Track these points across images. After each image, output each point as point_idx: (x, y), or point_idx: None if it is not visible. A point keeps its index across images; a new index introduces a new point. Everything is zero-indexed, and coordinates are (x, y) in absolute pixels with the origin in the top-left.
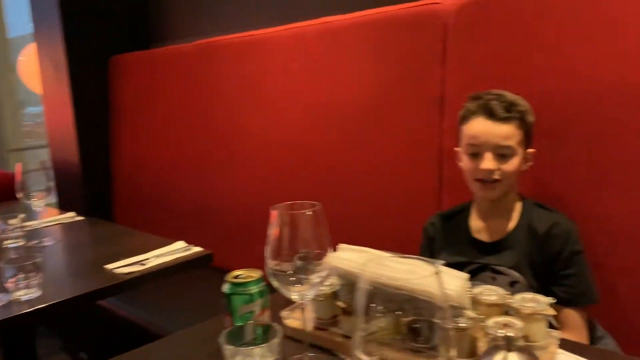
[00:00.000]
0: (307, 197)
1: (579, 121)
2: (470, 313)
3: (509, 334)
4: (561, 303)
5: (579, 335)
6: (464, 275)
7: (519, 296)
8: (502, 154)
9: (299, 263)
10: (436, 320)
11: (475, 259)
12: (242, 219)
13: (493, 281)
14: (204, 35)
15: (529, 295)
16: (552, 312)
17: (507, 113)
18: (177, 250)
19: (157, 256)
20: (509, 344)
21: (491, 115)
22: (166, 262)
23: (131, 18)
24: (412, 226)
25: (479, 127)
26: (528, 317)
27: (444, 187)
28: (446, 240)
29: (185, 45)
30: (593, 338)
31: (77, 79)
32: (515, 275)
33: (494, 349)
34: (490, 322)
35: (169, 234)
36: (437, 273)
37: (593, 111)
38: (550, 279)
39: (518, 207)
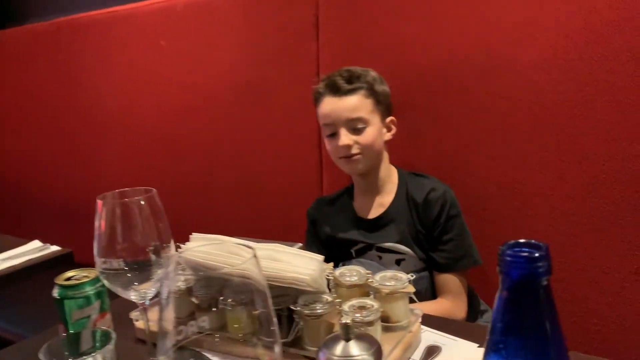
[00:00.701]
0: (184, 184)
1: (448, 91)
2: (327, 297)
3: (347, 322)
4: (441, 269)
5: (459, 300)
6: (319, 257)
7: (379, 275)
8: (356, 127)
9: (130, 261)
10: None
11: (360, 238)
12: None
13: (379, 260)
14: (63, 12)
15: (389, 273)
16: (411, 289)
17: (350, 85)
18: (31, 250)
19: (7, 258)
20: (346, 333)
21: (336, 90)
22: (17, 264)
23: None
24: (295, 208)
25: (328, 105)
26: (388, 297)
27: (324, 167)
28: (331, 222)
29: (43, 24)
30: (476, 312)
31: None
32: (402, 249)
33: (332, 340)
34: (345, 306)
35: (32, 234)
36: (254, 256)
37: (462, 81)
38: (430, 246)
39: (394, 178)
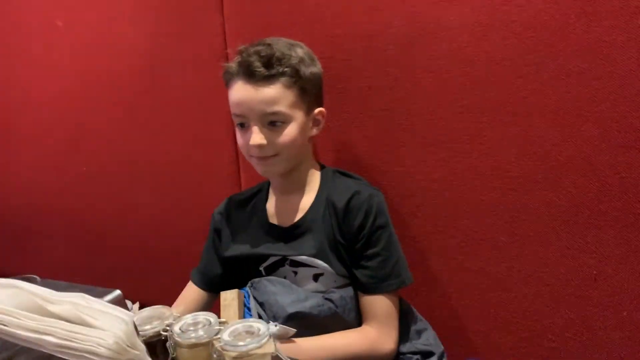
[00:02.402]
0: (88, 175)
1: (369, 67)
2: None
3: None
4: (365, 290)
5: (387, 328)
6: (129, 316)
7: (229, 329)
8: (273, 122)
9: None
10: None
11: (272, 250)
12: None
13: (295, 275)
14: None
15: (244, 324)
16: (270, 349)
17: (269, 70)
18: None
19: None
20: None
21: (250, 76)
22: None
23: None
24: (209, 202)
25: (239, 93)
26: None
27: (241, 156)
28: (240, 229)
29: None
30: (410, 332)
31: None
32: (319, 264)
33: None
34: None
35: None
36: None
37: (387, 57)
38: (352, 261)
39: (316, 178)
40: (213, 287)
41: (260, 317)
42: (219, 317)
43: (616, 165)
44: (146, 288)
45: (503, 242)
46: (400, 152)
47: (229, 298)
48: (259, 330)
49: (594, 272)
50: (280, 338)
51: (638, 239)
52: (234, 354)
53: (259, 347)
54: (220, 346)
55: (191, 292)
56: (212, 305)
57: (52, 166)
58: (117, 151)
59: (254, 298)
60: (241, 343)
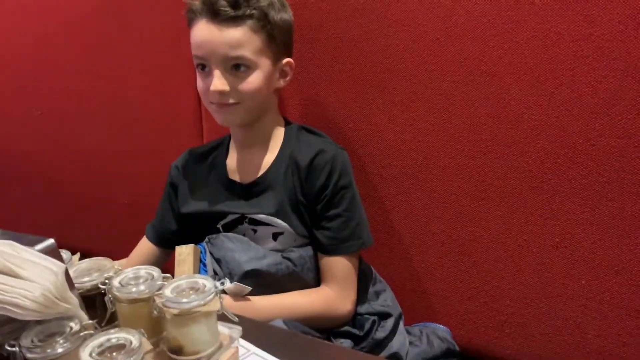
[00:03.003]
0: (36, 133)
1: (335, 18)
2: (73, 325)
3: None
4: (325, 251)
5: (345, 289)
6: (60, 267)
7: (172, 285)
8: (237, 65)
9: None
10: None
11: (231, 208)
12: None
13: (254, 234)
14: None
15: (188, 280)
16: (215, 307)
17: (235, 11)
18: None
19: None
20: None
21: (215, 15)
22: None
23: None
24: (168, 155)
25: (201, 32)
26: (178, 319)
27: (203, 108)
28: (198, 185)
29: None
30: (369, 293)
31: None
32: (279, 223)
33: None
34: (85, 350)
35: None
36: None
37: (359, 6)
38: (313, 221)
39: (279, 134)
40: (167, 244)
41: (215, 273)
42: (173, 272)
43: (587, 132)
44: (97, 240)
45: (468, 206)
46: (369, 110)
47: (184, 253)
48: (205, 286)
49: (557, 239)
50: (235, 295)
51: (602, 207)
52: (175, 311)
53: (203, 305)
54: (162, 302)
55: (144, 247)
56: (165, 261)
57: (3, 108)
58: (72, 95)
59: (211, 254)
60: (184, 300)
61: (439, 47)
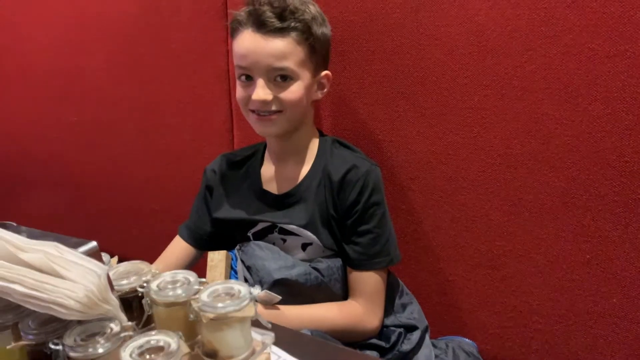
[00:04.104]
0: (72, 139)
1: (368, 32)
2: (114, 327)
3: None
4: (354, 266)
5: (372, 305)
6: (102, 269)
7: (209, 289)
8: (281, 76)
9: None
10: None
11: (262, 216)
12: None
13: (283, 243)
14: None
15: (224, 285)
16: (250, 313)
17: (281, 22)
18: None
19: None
20: None
21: (261, 26)
22: None
23: None
24: (199, 163)
25: (247, 43)
26: (213, 324)
27: (235, 115)
28: (231, 191)
29: None
30: (395, 305)
31: None
32: (308, 235)
33: None
34: (126, 351)
35: None
36: None
37: (392, 21)
38: (343, 236)
39: (314, 146)
40: (201, 244)
41: (246, 280)
42: (205, 277)
43: (621, 149)
44: (129, 244)
45: (497, 220)
46: (399, 122)
47: (216, 259)
48: (240, 292)
49: (588, 256)
50: (265, 304)
51: (635, 225)
52: (211, 316)
53: (239, 310)
54: (198, 306)
55: (178, 246)
56: (196, 262)
57: (41, 114)
58: (109, 102)
59: (242, 261)
60: (220, 305)
61: (471, 62)
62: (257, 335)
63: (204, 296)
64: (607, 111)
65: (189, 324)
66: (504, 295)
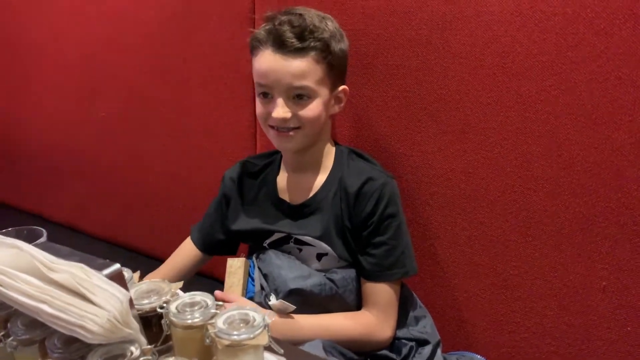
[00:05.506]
0: (100, 134)
1: (393, 47)
2: (134, 349)
3: None
4: (368, 277)
5: (386, 316)
6: (125, 295)
7: (225, 315)
8: (299, 95)
9: None
10: None
11: (278, 227)
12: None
13: (299, 252)
14: None
15: (240, 311)
16: (263, 341)
17: (301, 42)
18: None
19: None
20: None
21: (280, 46)
22: None
23: None
24: (223, 164)
25: (267, 63)
26: (229, 350)
27: (259, 130)
28: (248, 200)
29: None
30: (408, 318)
31: None
32: (323, 246)
33: None
34: None
35: None
36: None
37: (419, 37)
38: (358, 247)
39: (330, 157)
40: (211, 250)
41: (262, 288)
42: (223, 282)
43: None
44: (149, 237)
45: (514, 241)
46: (420, 137)
47: (235, 266)
48: (254, 320)
49: (604, 283)
50: (280, 312)
51: None
52: (226, 343)
53: (252, 338)
54: (214, 332)
55: (188, 249)
56: (204, 264)
57: (72, 108)
58: (137, 100)
59: (259, 269)
60: (235, 332)
61: (495, 82)
62: (270, 359)
63: (220, 322)
64: (630, 140)
65: (205, 345)
66: (518, 316)
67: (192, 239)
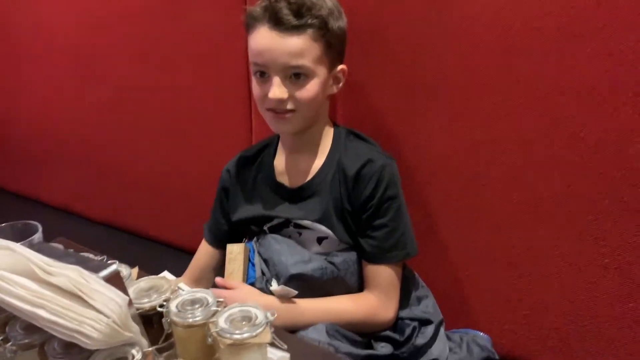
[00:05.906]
0: (91, 119)
1: (392, 25)
2: (134, 353)
3: None
4: (369, 259)
5: (388, 298)
6: (123, 299)
7: (226, 313)
8: (296, 74)
9: None
10: None
11: (277, 212)
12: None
13: (299, 236)
14: None
15: (241, 308)
16: (266, 339)
17: (298, 19)
18: None
19: None
20: None
21: (277, 23)
22: None
23: None
24: (220, 153)
25: (263, 40)
26: (231, 348)
27: (255, 110)
28: (246, 188)
29: None
30: (411, 298)
31: None
32: (322, 229)
33: None
34: None
35: None
36: None
37: (419, 13)
38: (358, 229)
39: (328, 138)
40: (223, 244)
41: (263, 273)
42: (224, 269)
43: None
44: (149, 223)
45: (516, 220)
46: (420, 117)
47: (235, 252)
48: (256, 317)
49: (606, 260)
50: (282, 297)
51: None
52: (228, 342)
53: (255, 336)
54: (216, 331)
55: (204, 248)
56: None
57: (63, 93)
58: (128, 85)
59: (259, 254)
60: (237, 331)
61: (496, 60)
62: (273, 355)
63: (221, 321)
64: (633, 116)
65: (208, 343)
66: (521, 293)
67: (204, 237)
